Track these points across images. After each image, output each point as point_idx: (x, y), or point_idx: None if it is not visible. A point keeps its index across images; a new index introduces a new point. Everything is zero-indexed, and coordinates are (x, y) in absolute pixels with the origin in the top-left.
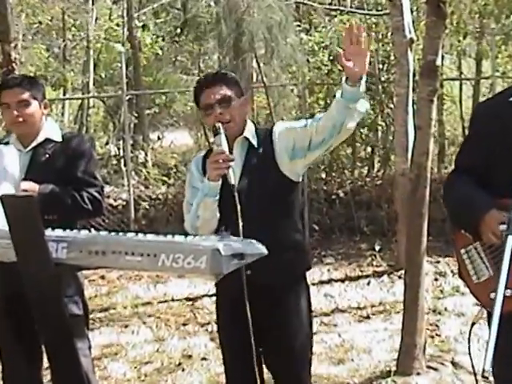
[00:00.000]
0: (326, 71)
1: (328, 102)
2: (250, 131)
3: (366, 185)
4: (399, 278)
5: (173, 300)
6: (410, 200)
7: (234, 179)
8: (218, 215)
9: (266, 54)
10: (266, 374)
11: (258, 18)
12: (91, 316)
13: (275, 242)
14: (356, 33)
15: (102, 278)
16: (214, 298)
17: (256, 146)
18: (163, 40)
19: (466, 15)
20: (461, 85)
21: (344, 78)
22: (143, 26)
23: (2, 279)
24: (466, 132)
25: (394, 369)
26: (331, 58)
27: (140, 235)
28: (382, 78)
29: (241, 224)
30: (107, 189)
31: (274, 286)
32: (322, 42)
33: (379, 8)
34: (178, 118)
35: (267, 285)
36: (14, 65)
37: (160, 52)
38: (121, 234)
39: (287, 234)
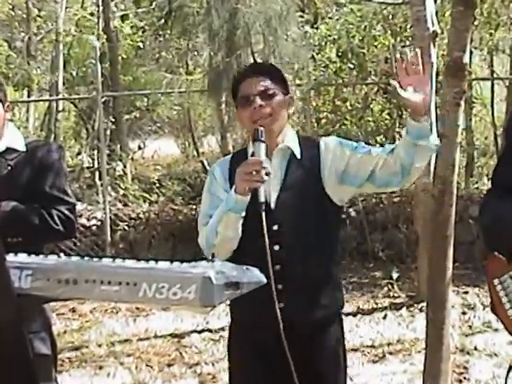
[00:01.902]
0: (334, 69)
1: (337, 105)
2: (292, 139)
3: (382, 202)
4: (420, 311)
5: (156, 337)
6: (433, 220)
7: (263, 196)
8: (240, 235)
9: (264, 49)
10: None
11: (254, 8)
12: (59, 356)
13: (313, 274)
14: (413, 61)
15: (73, 310)
16: (204, 335)
17: (299, 157)
18: (143, 32)
19: (499, 3)
20: (492, 85)
21: (409, 113)
22: (122, 16)
23: None
24: (499, 141)
25: None
26: (340, 53)
27: (118, 261)
28: None
29: (268, 251)
30: (79, 206)
31: (309, 323)
32: (330, 36)
33: None
34: (162, 124)
35: (301, 322)
36: None
37: (141, 46)
38: (95, 259)
39: (327, 267)
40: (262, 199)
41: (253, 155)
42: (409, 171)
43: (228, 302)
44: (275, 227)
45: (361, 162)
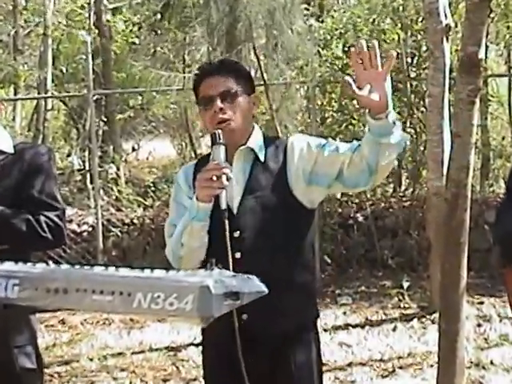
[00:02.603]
0: (341, 66)
1: (343, 104)
2: (256, 140)
3: (391, 207)
4: (432, 322)
5: (151, 350)
6: (446, 226)
7: (225, 202)
8: (206, 244)
9: (266, 44)
10: None
11: (256, 0)
12: (48, 371)
13: (279, 281)
14: (367, 54)
15: (63, 322)
16: (201, 348)
17: (263, 159)
18: (140, 28)
19: None
20: (510, 82)
21: (367, 111)
22: (114, 10)
23: None
24: None
25: None
26: (347, 48)
27: (110, 269)
28: (412, 75)
29: (231, 259)
30: (69, 211)
31: (276, 335)
32: (336, 30)
33: None
34: (157, 124)
35: (267, 334)
36: None
37: (135, 41)
38: (86, 267)
39: (295, 273)
40: (224, 206)
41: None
42: (375, 170)
43: None
44: (236, 234)
45: (328, 160)
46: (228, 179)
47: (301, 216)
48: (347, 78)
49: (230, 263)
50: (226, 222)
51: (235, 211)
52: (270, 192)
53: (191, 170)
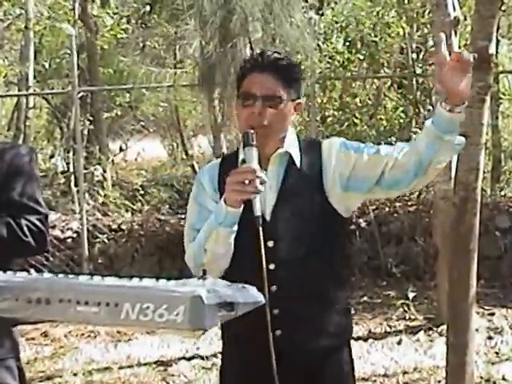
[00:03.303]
0: (342, 61)
1: (344, 101)
2: (292, 143)
3: (396, 211)
4: (440, 335)
5: (139, 364)
6: (455, 231)
7: (259, 208)
8: (232, 251)
9: (263, 38)
10: None
11: None
12: None
13: (314, 296)
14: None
15: (45, 335)
16: (194, 362)
17: (299, 164)
18: (128, 21)
19: None
20: None
21: (439, 101)
22: (101, 2)
23: None
24: None
25: None
26: (348, 43)
27: (96, 278)
28: (417, 71)
29: (265, 270)
30: (52, 216)
31: (309, 353)
32: (337, 23)
33: None
34: (146, 123)
35: (299, 351)
36: None
37: (123, 36)
38: (70, 276)
39: (330, 287)
40: (258, 212)
41: (244, 162)
42: (425, 170)
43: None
44: (270, 243)
45: (369, 164)
46: (262, 183)
47: (336, 225)
48: (439, 36)
49: (265, 275)
50: (261, 229)
51: (268, 218)
52: (306, 199)
53: (216, 170)
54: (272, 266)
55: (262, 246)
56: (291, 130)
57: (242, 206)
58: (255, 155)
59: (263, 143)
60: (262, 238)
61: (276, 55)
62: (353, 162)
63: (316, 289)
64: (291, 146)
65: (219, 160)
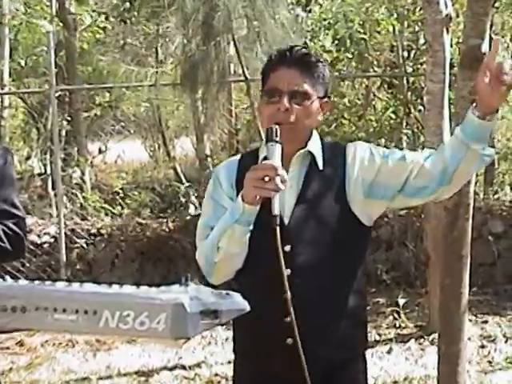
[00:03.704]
0: (330, 60)
1: (332, 101)
2: (315, 144)
3: (386, 216)
4: (431, 343)
5: (119, 375)
6: (446, 237)
7: (278, 208)
8: (246, 251)
9: (247, 36)
10: None
11: None
12: None
13: (330, 305)
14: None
15: (21, 344)
16: (176, 372)
17: (322, 166)
18: (107, 18)
19: None
20: None
21: (472, 106)
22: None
23: None
24: None
25: None
26: (337, 41)
27: (74, 285)
28: (408, 70)
29: (285, 275)
30: (29, 221)
31: (321, 363)
32: (325, 20)
33: None
34: (127, 124)
35: (314, 360)
36: None
37: (103, 32)
38: (47, 282)
39: (348, 297)
40: (277, 211)
41: (265, 159)
42: (450, 179)
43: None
44: (287, 248)
45: (393, 171)
46: (283, 182)
47: (357, 233)
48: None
49: (285, 280)
50: (278, 229)
51: (286, 222)
52: (327, 203)
53: (234, 166)
54: (288, 272)
55: (280, 248)
56: (315, 133)
57: (260, 205)
58: (278, 152)
59: (287, 141)
60: (279, 238)
61: (304, 51)
62: (377, 167)
63: (332, 298)
64: (314, 146)
65: (238, 156)
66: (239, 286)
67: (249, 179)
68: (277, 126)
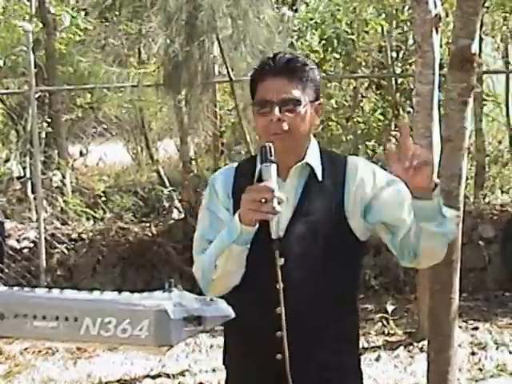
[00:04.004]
0: (317, 60)
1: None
2: (314, 155)
3: None
4: (421, 351)
5: (101, 383)
6: None
7: (277, 231)
8: (244, 268)
9: (232, 36)
10: None
11: None
12: None
13: (322, 321)
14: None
15: None
16: (159, 381)
17: (321, 177)
18: (86, 14)
19: None
20: (507, 80)
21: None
22: None
23: None
24: None
25: None
26: (324, 41)
27: (54, 291)
28: (397, 71)
29: (281, 289)
30: (7, 225)
31: (316, 379)
32: (311, 20)
33: None
34: (109, 126)
35: (305, 377)
36: None
37: (83, 33)
38: (27, 289)
39: (341, 313)
40: (275, 235)
41: (260, 180)
42: (416, 254)
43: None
44: (281, 261)
45: (388, 203)
46: (280, 203)
47: (353, 248)
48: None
49: (281, 294)
50: (277, 253)
51: (281, 234)
52: (324, 216)
53: (231, 174)
54: (281, 286)
55: (279, 271)
56: (314, 141)
57: (257, 224)
58: (274, 172)
59: (283, 152)
60: (278, 261)
61: (288, 56)
62: (374, 192)
63: (325, 313)
64: (313, 157)
65: (235, 164)
66: (232, 299)
67: (245, 201)
68: (270, 144)
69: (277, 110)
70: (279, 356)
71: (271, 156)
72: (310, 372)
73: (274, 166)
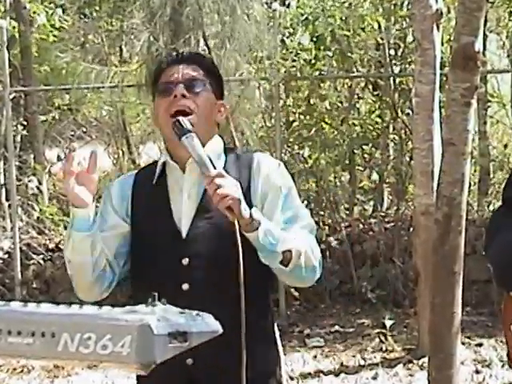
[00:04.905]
0: (309, 59)
1: (312, 103)
2: (216, 149)
3: (371, 229)
4: (421, 368)
5: None
6: (437, 252)
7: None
8: (93, 260)
9: (219, 33)
10: None
11: None
12: None
13: (231, 321)
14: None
15: None
16: None
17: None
18: (64, 11)
19: None
20: None
21: None
22: None
23: None
24: None
25: None
26: (316, 38)
27: (30, 305)
28: (395, 70)
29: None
30: None
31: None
32: (303, 15)
33: None
34: (88, 128)
35: (217, 381)
36: None
37: (60, 32)
38: (1, 303)
39: (252, 313)
40: (188, 125)
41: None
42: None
43: None
44: (185, 261)
45: (276, 206)
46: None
47: None
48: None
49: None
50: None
51: (184, 234)
52: None
53: (130, 179)
54: (186, 287)
55: (240, 243)
56: (218, 138)
57: (93, 206)
58: (198, 143)
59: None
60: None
61: (194, 51)
62: (275, 192)
63: (233, 314)
64: (213, 151)
65: (135, 171)
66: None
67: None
68: (182, 117)
69: (181, 86)
70: (189, 360)
71: (187, 126)
72: (220, 374)
73: (196, 138)
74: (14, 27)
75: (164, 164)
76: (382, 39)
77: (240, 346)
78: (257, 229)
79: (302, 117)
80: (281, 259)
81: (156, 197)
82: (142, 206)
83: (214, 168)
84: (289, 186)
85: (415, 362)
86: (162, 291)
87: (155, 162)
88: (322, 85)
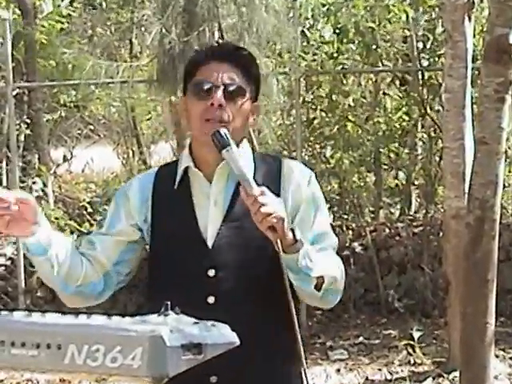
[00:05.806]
0: (331, 52)
1: (334, 100)
2: (245, 155)
3: (399, 234)
4: (452, 383)
5: None
6: (469, 258)
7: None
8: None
9: (236, 25)
10: None
11: None
12: None
13: (258, 337)
14: None
15: None
16: None
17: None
18: (72, 3)
19: None
20: None
21: None
22: None
23: None
24: None
25: None
26: (339, 30)
27: (35, 315)
28: (424, 64)
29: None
30: None
31: None
32: (324, 6)
33: None
34: (96, 127)
35: None
36: None
37: (66, 24)
38: (4, 312)
39: (278, 328)
40: (229, 137)
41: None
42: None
43: None
44: (211, 272)
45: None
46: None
47: None
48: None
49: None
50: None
51: (210, 243)
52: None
53: (150, 180)
54: (211, 300)
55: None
56: (246, 142)
57: (43, 229)
58: (238, 155)
59: (213, 150)
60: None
61: (236, 45)
62: (304, 207)
63: (262, 329)
64: (244, 157)
65: (155, 169)
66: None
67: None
68: (224, 130)
69: (220, 93)
70: (213, 378)
71: (228, 139)
72: None
73: (236, 150)
74: (15, 18)
75: (186, 168)
76: (409, 31)
77: (264, 364)
78: (298, 251)
79: (323, 114)
80: (315, 283)
81: (179, 202)
82: (163, 211)
83: (256, 184)
84: (321, 198)
85: (445, 375)
86: (185, 304)
87: (175, 162)
88: (344, 80)
